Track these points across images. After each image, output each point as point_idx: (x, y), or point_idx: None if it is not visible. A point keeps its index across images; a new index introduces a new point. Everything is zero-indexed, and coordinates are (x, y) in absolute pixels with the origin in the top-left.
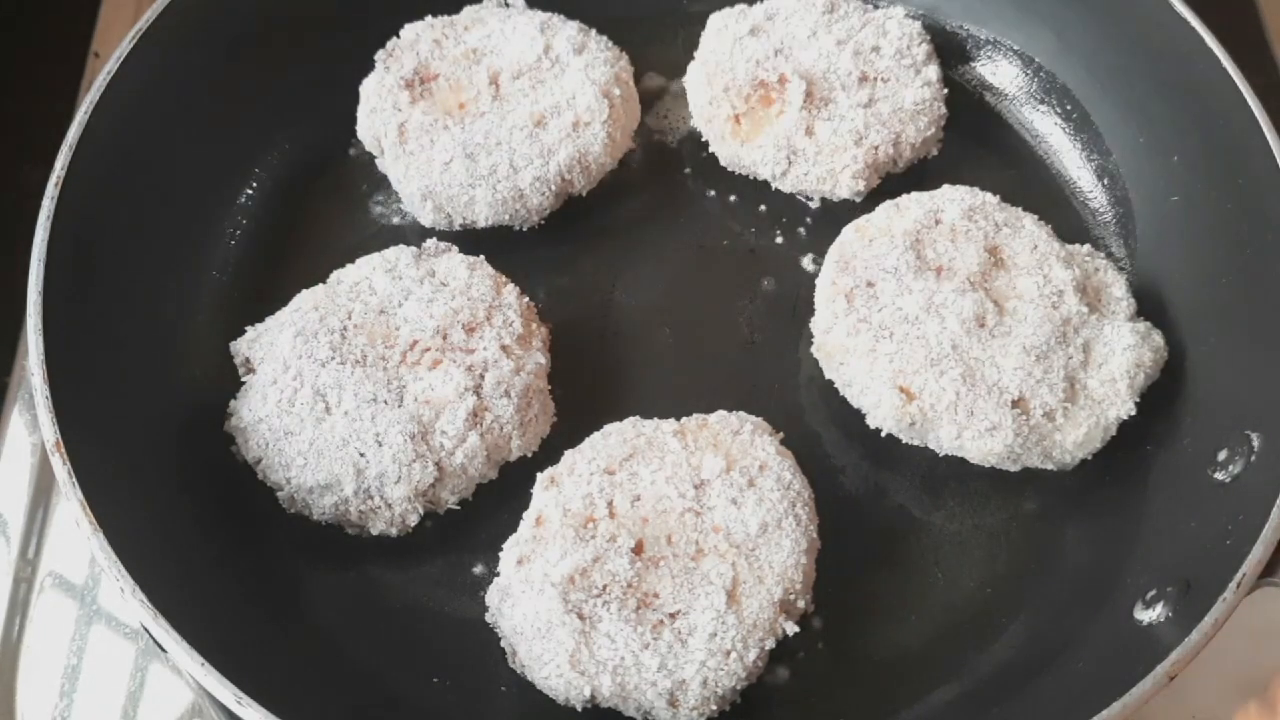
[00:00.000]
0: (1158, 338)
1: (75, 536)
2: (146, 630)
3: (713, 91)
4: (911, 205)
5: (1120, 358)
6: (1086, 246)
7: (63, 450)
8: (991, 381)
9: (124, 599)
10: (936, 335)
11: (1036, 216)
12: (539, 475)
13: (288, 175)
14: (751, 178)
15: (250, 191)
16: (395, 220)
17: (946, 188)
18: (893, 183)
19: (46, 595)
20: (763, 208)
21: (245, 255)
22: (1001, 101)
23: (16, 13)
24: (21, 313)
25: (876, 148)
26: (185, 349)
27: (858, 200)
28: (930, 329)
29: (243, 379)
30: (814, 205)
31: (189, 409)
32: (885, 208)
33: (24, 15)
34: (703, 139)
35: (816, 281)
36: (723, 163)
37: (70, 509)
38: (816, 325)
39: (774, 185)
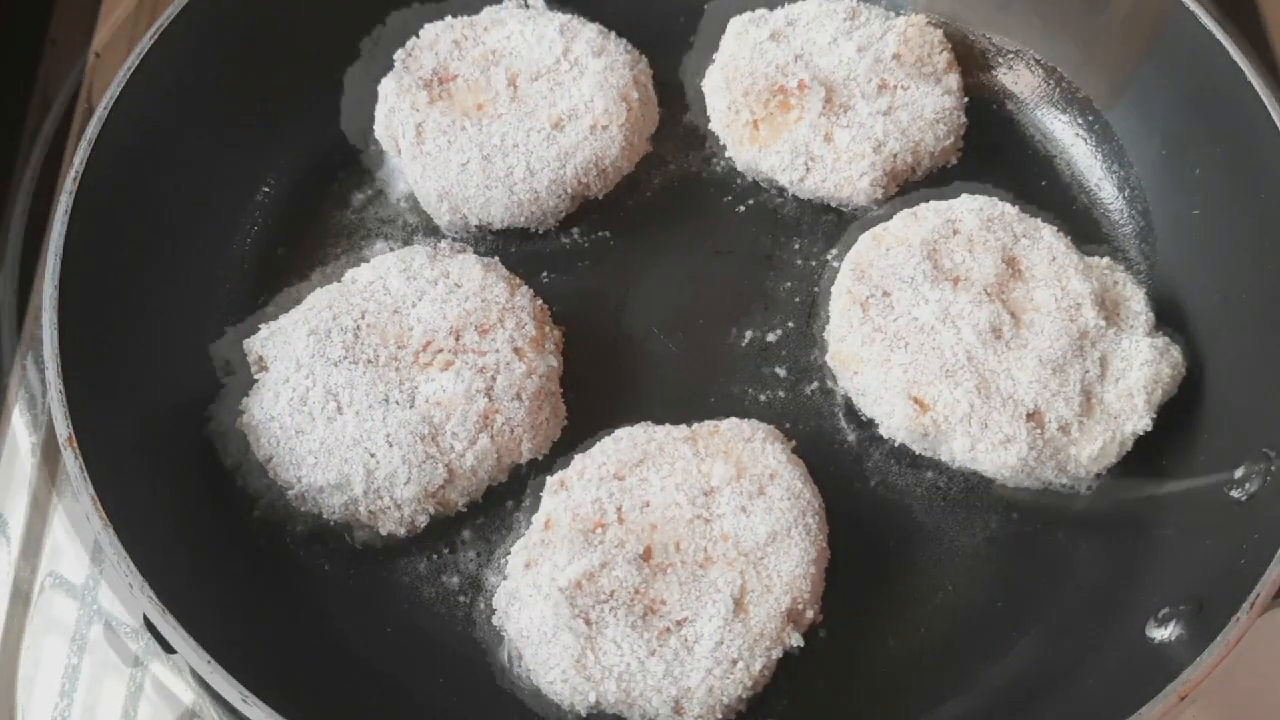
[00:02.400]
0: (1176, 353)
1: (75, 536)
2: (150, 629)
3: (731, 96)
4: (929, 214)
5: (1138, 372)
6: (1106, 259)
7: (75, 445)
8: (1006, 394)
9: (132, 594)
10: (951, 346)
11: (1055, 228)
12: (548, 479)
13: (304, 174)
14: (769, 184)
15: (266, 189)
16: (410, 220)
17: (965, 197)
18: (911, 190)
19: (46, 595)
20: (779, 213)
21: (260, 253)
22: (1022, 111)
23: (16, 12)
24: (21, 312)
25: (895, 156)
26: (199, 346)
27: (876, 208)
28: (945, 339)
29: (255, 377)
30: (831, 212)
31: (201, 406)
32: (903, 216)
33: (24, 15)
34: (720, 143)
35: (832, 289)
36: (740, 168)
37: (78, 505)
38: (831, 333)
39: (791, 191)
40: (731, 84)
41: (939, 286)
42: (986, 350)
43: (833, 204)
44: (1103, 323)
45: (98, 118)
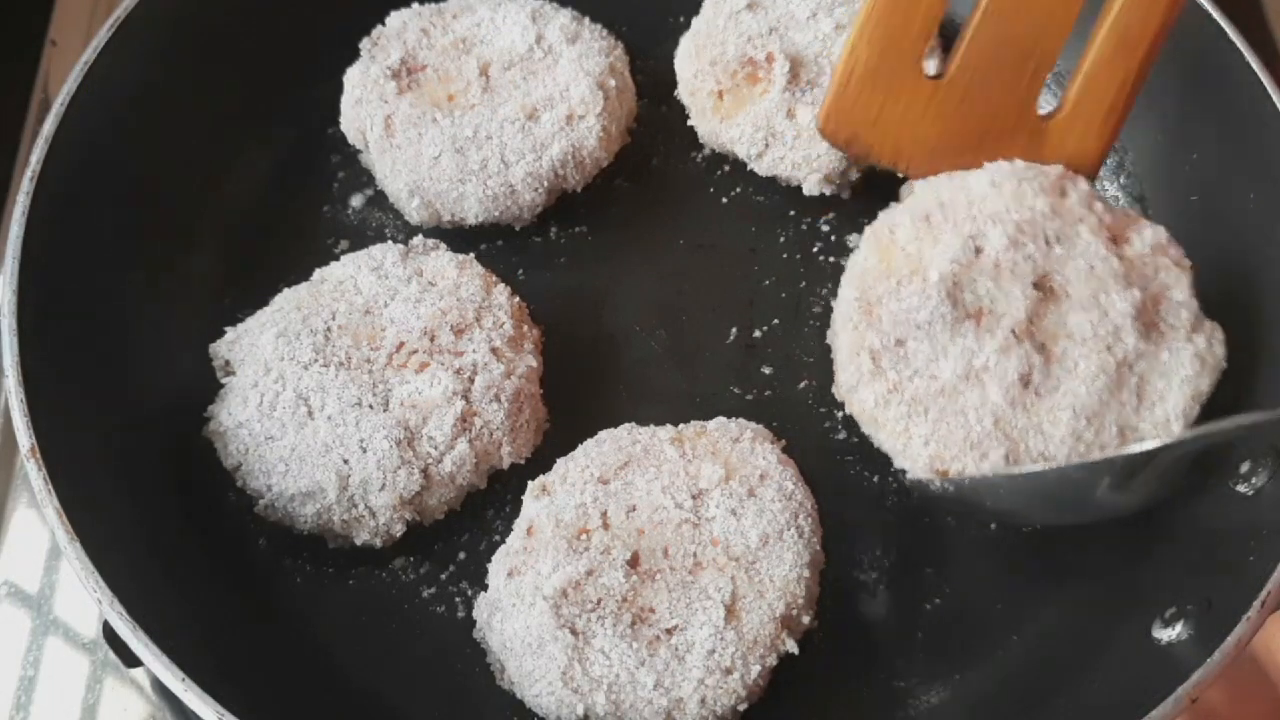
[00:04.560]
0: (1218, 348)
1: (29, 546)
2: (109, 640)
3: (699, 64)
4: (946, 227)
5: (1177, 394)
6: (1149, 232)
7: (38, 456)
8: (1037, 453)
9: (102, 611)
10: (976, 410)
11: (1095, 217)
12: (530, 484)
13: (268, 169)
14: (729, 156)
15: (229, 186)
16: (381, 216)
17: (982, 174)
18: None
19: (1, 606)
20: (762, 206)
21: (225, 253)
22: None
23: (16, 12)
24: None
25: None
26: (165, 351)
27: (828, 193)
28: (969, 402)
29: (222, 382)
30: (817, 202)
31: (169, 413)
32: (912, 218)
33: (24, 15)
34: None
35: (834, 311)
36: (701, 139)
37: (32, 513)
38: (839, 379)
39: (749, 166)
40: (701, 52)
41: (960, 332)
42: (1015, 410)
43: (790, 184)
44: (1142, 343)
45: (54, 114)
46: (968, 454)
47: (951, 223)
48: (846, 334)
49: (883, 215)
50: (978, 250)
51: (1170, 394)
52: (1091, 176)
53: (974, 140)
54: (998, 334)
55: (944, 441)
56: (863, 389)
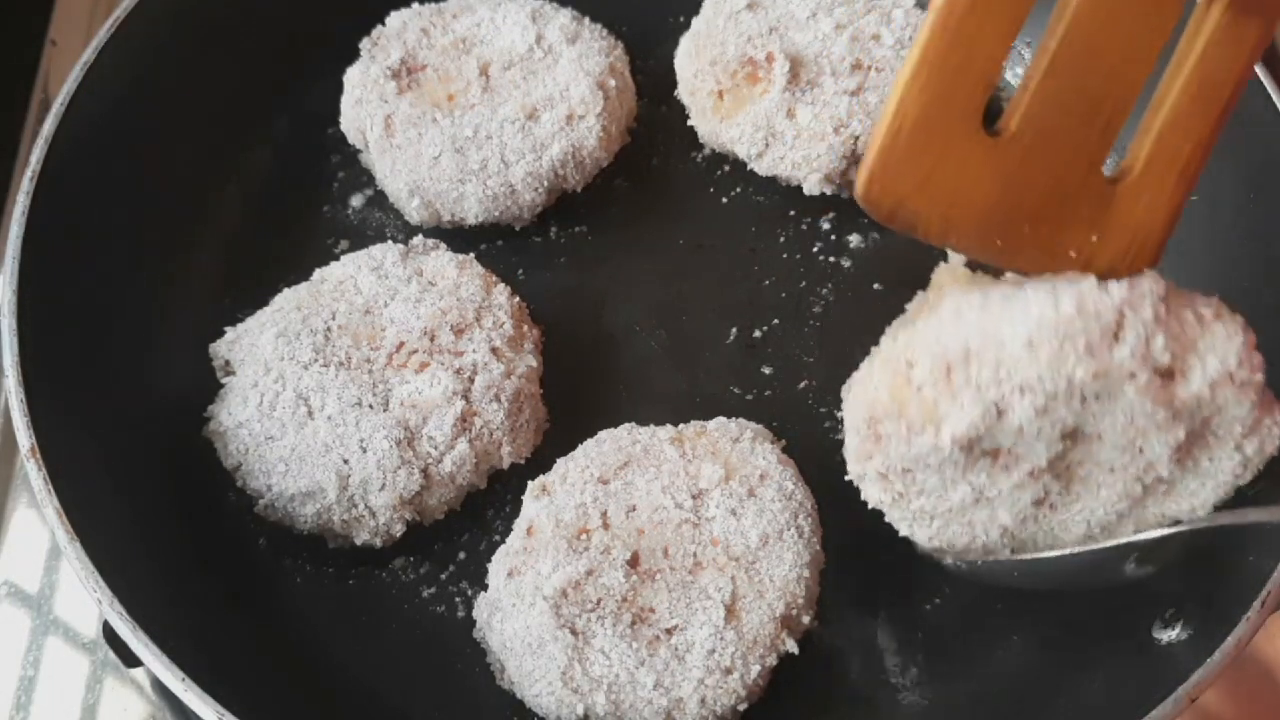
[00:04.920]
0: (1271, 444)
1: (29, 546)
2: (109, 640)
3: (699, 64)
4: (967, 391)
5: (1210, 493)
6: (1212, 360)
7: (38, 455)
8: (1046, 547)
9: (102, 611)
10: (985, 526)
11: (1151, 354)
12: (530, 484)
13: (268, 169)
14: (736, 158)
15: (229, 187)
16: (381, 216)
17: (1024, 329)
18: None
19: (1, 606)
20: (762, 206)
21: (225, 253)
22: (1004, 92)
23: (16, 12)
24: None
25: (857, 138)
26: (165, 351)
27: (828, 193)
28: (979, 518)
29: (222, 382)
30: (817, 201)
31: (169, 413)
32: (931, 365)
33: (24, 15)
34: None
35: (842, 411)
36: (701, 139)
37: (31, 513)
38: (849, 465)
39: (749, 166)
40: (701, 52)
41: (974, 469)
42: (1026, 525)
43: (790, 184)
44: (1179, 469)
45: (54, 114)
46: (974, 551)
47: (975, 386)
48: (853, 442)
49: (903, 336)
50: (1000, 413)
51: (1202, 492)
52: (1155, 259)
53: (1034, 207)
54: (1014, 474)
55: (949, 540)
56: (869, 487)
